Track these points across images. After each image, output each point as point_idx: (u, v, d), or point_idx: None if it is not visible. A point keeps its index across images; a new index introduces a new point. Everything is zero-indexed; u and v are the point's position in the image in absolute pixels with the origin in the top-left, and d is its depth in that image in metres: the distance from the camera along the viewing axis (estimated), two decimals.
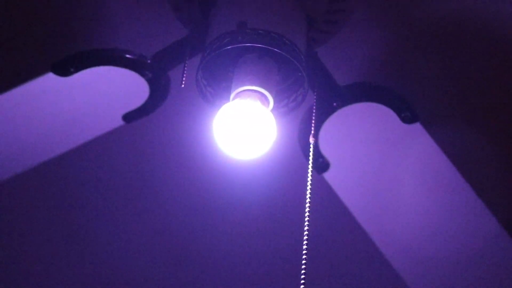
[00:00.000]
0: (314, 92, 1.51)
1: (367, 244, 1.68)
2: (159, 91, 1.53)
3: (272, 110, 1.44)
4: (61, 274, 2.19)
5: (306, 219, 1.40)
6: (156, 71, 1.51)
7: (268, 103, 1.43)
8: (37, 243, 2.10)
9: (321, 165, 1.59)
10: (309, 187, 1.39)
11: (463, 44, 1.57)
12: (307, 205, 1.39)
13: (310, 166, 1.42)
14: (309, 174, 1.40)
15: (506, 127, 1.68)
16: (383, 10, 1.54)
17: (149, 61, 1.49)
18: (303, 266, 1.39)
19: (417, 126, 1.50)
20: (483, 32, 1.54)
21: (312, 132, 1.49)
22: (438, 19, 1.54)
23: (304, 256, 1.38)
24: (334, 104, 1.52)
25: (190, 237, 2.12)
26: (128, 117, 1.57)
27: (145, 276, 2.24)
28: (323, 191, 1.56)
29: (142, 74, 1.50)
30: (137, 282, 2.25)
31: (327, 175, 1.60)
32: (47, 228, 2.06)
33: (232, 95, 1.43)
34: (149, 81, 1.51)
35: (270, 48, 1.41)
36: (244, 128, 1.41)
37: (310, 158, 1.43)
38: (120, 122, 1.58)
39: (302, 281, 1.40)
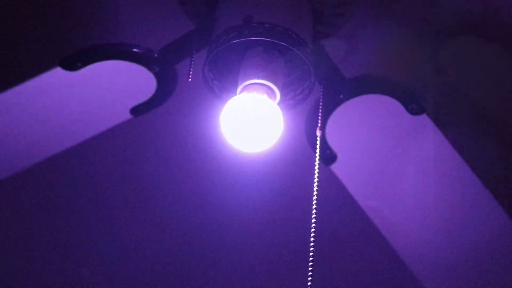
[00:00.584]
0: (321, 85, 1.51)
1: (374, 234, 1.69)
2: (166, 85, 1.54)
3: (279, 103, 1.44)
4: (68, 269, 2.21)
5: (314, 210, 1.40)
6: (163, 65, 1.51)
7: (275, 96, 1.43)
8: (49, 232, 2.12)
9: (328, 156, 1.60)
10: (316, 178, 1.40)
11: (471, 40, 1.56)
12: (315, 196, 1.40)
13: (317, 158, 1.43)
14: (316, 166, 1.41)
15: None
16: (391, 3, 1.54)
17: (156, 55, 1.50)
18: (311, 258, 1.40)
19: (424, 118, 1.51)
20: (492, 28, 1.54)
21: (319, 124, 1.49)
22: (447, 14, 1.53)
23: (311, 248, 1.39)
24: (341, 96, 1.53)
25: (197, 228, 2.13)
26: (136, 111, 1.59)
27: (153, 265, 2.26)
28: (330, 182, 1.57)
29: (149, 68, 1.51)
30: (145, 275, 2.27)
31: (334, 167, 1.60)
32: (57, 218, 2.08)
33: (238, 89, 1.44)
34: (156, 75, 1.52)
35: (276, 41, 1.41)
36: (251, 121, 1.41)
37: (317, 150, 1.44)
38: (128, 115, 1.59)
39: (310, 272, 1.41)
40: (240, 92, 1.43)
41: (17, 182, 1.90)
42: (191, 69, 1.50)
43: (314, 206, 1.40)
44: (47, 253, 2.14)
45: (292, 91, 1.50)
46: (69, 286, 2.24)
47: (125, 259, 2.23)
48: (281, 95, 1.45)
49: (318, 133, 1.48)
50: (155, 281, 2.26)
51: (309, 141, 1.58)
